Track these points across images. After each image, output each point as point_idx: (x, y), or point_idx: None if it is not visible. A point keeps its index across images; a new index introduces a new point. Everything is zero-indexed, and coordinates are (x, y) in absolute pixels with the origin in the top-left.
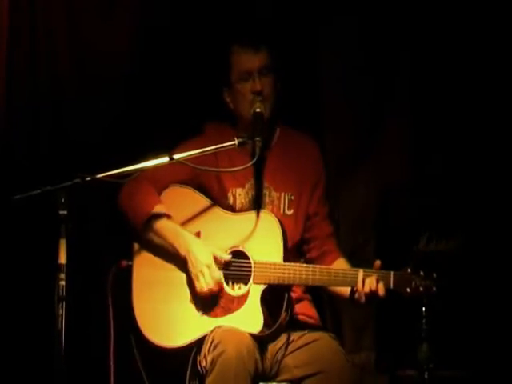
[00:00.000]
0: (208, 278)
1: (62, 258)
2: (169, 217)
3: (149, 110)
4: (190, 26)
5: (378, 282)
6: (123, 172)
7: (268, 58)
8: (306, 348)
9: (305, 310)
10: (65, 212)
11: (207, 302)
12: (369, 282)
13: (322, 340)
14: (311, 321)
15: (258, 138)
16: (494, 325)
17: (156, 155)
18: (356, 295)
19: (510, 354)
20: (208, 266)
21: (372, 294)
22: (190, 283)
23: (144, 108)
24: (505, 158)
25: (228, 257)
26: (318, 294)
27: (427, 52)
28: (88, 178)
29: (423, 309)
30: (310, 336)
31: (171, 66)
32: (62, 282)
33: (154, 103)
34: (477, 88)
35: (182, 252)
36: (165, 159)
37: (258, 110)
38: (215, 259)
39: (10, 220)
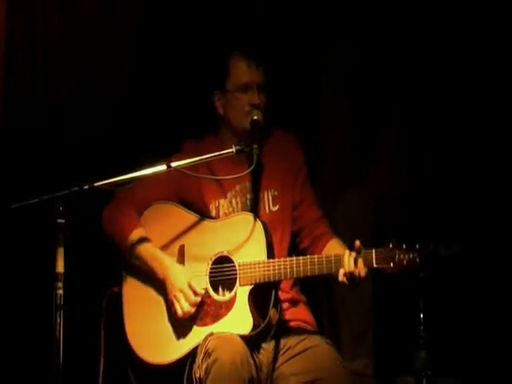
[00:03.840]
0: (183, 302)
1: (60, 267)
2: (147, 240)
3: (145, 116)
4: (191, 30)
5: (356, 262)
6: (121, 180)
7: (266, 74)
8: (303, 355)
9: (300, 315)
10: (63, 221)
11: (196, 313)
12: (347, 264)
13: (319, 347)
14: (308, 327)
15: (255, 146)
16: (492, 332)
17: (152, 164)
18: (340, 278)
19: (507, 361)
20: (182, 292)
21: (351, 275)
22: None
23: (140, 114)
24: (499, 167)
25: (201, 291)
26: (315, 296)
27: (424, 67)
28: (86, 187)
29: (421, 315)
30: (306, 343)
31: (169, 72)
32: (60, 291)
33: (151, 109)
34: (470, 99)
35: (160, 276)
36: (162, 167)
37: (255, 117)
38: (189, 287)
39: (8, 229)
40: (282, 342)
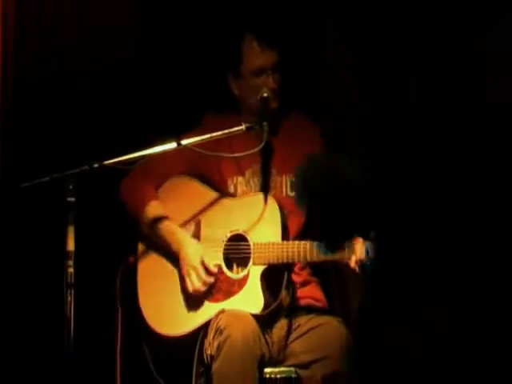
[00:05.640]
0: (194, 279)
1: (71, 245)
2: (163, 213)
3: (155, 95)
4: (200, 9)
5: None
6: (130, 158)
7: (280, 55)
8: (313, 333)
9: (311, 293)
10: (73, 199)
11: (208, 288)
12: (359, 251)
13: (329, 324)
14: (318, 304)
15: (265, 123)
16: None
17: (162, 142)
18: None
19: None
20: (194, 269)
21: (362, 263)
22: None
23: (149, 93)
24: None
25: (214, 270)
26: (326, 276)
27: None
28: (96, 165)
29: None
30: (316, 320)
31: (176, 49)
32: (71, 269)
33: (160, 89)
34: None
35: (174, 249)
36: (172, 145)
37: (265, 94)
38: (202, 264)
39: (19, 208)
40: (292, 320)
